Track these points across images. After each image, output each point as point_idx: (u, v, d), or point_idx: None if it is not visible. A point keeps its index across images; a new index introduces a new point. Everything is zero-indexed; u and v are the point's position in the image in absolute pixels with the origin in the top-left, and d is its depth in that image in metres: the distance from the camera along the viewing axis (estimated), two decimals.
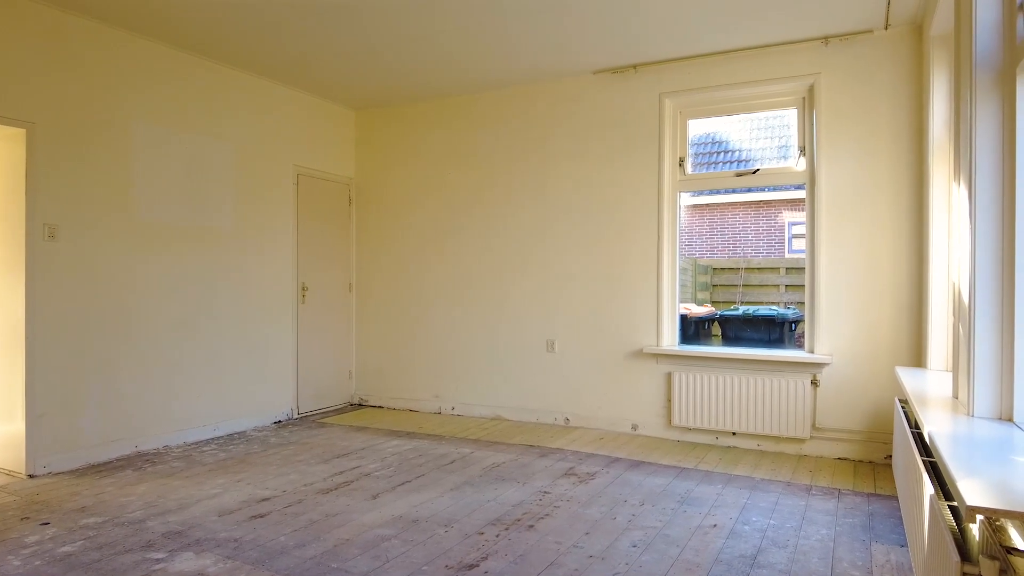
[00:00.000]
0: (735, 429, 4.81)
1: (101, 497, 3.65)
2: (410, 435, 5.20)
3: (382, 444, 4.90)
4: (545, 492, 3.79)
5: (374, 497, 3.68)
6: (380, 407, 6.40)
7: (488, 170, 5.88)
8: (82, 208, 4.30)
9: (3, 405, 4.13)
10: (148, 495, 3.69)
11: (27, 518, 3.34)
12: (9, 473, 4.08)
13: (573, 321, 5.50)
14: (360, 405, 6.50)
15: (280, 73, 5.43)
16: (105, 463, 4.35)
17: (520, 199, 5.73)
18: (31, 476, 4.03)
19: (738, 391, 4.80)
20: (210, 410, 5.14)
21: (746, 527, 3.26)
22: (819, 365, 4.61)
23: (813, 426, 4.63)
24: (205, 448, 4.77)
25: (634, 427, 5.25)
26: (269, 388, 5.65)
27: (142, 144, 4.64)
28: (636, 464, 4.38)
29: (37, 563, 2.81)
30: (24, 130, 4.01)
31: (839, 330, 4.58)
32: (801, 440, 4.66)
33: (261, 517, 3.35)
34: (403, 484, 3.92)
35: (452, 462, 4.41)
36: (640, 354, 5.23)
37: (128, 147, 4.56)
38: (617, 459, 4.50)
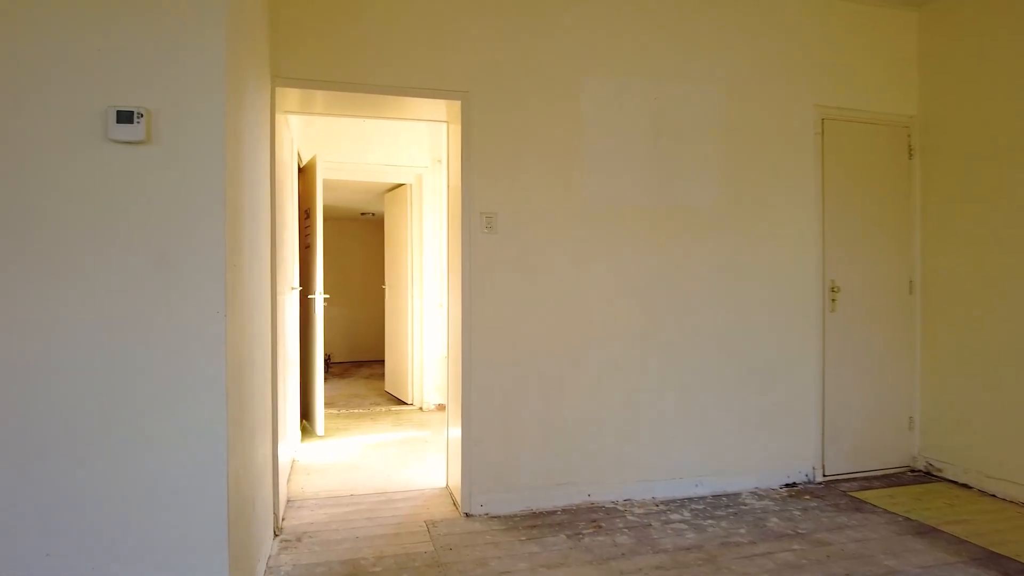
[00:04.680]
0: None
1: None
2: None
3: None
4: None
5: None
6: (964, 485, 3.87)
7: None
8: (519, 191, 3.44)
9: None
10: None
11: None
12: (455, 504, 3.51)
13: None
14: (927, 475, 4.10)
15: None
16: (547, 512, 3.41)
17: None
18: (467, 515, 3.36)
19: None
20: (687, 457, 3.73)
21: None
22: None
23: None
24: (673, 516, 3.38)
25: None
26: (777, 434, 3.90)
27: (590, 103, 3.54)
28: None
29: None
30: (459, 102, 3.36)
31: None
32: None
33: None
34: None
35: None
36: None
37: (572, 109, 3.53)
38: None
